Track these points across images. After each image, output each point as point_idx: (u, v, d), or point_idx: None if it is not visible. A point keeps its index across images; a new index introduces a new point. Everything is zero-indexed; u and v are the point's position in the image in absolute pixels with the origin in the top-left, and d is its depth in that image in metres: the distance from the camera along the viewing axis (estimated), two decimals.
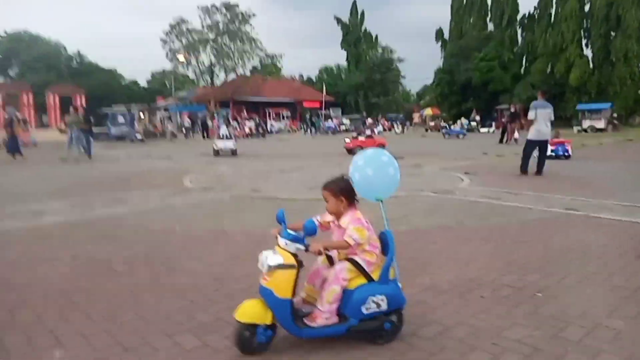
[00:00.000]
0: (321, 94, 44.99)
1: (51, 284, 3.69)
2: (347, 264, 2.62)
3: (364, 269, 2.62)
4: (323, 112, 42.67)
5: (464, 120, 36.46)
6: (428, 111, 46.57)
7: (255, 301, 2.53)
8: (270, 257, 2.45)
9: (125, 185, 9.34)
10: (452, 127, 31.89)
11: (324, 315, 2.56)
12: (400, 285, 2.75)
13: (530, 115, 9.81)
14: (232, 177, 10.68)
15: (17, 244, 4.96)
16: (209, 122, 32.64)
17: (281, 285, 2.44)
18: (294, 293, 2.50)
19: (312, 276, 2.75)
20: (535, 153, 10.02)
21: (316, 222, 2.67)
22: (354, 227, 2.58)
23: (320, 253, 2.56)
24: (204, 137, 30.27)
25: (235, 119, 36.98)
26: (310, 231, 2.52)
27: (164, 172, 11.74)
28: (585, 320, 2.92)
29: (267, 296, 2.45)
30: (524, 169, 9.94)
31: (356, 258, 2.63)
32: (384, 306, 2.60)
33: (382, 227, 2.89)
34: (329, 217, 2.76)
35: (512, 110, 21.95)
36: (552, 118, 9.92)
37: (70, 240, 5.05)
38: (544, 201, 6.85)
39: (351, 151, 17.14)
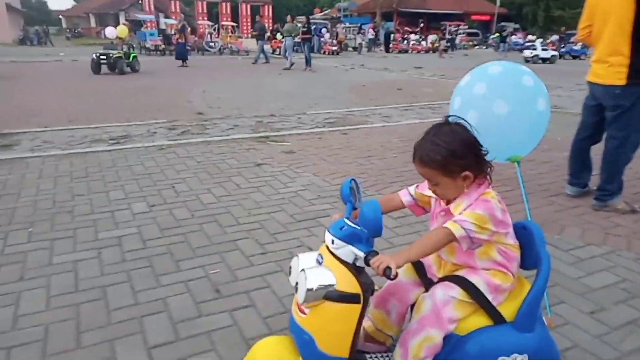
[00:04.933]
0: (493, 4, 41.36)
1: None
2: (457, 290, 1.41)
3: (487, 300, 1.41)
4: (501, 25, 39.47)
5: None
6: None
7: (279, 340, 1.46)
8: (310, 273, 1.28)
9: (404, 94, 10.35)
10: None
11: None
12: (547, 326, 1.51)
13: None
14: None
15: None
16: (392, 35, 32.57)
17: (330, 330, 1.31)
18: (353, 349, 1.34)
19: (385, 295, 1.58)
20: None
21: (404, 200, 1.53)
22: (470, 212, 1.36)
23: (387, 275, 1.24)
24: (387, 50, 30.40)
25: (410, 32, 36.27)
26: (374, 228, 1.28)
27: (412, 82, 12.56)
28: None
29: (302, 344, 1.34)
30: None
31: (473, 279, 1.42)
32: None
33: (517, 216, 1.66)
34: (430, 191, 1.53)
35: None
36: None
37: None
38: None
39: None
